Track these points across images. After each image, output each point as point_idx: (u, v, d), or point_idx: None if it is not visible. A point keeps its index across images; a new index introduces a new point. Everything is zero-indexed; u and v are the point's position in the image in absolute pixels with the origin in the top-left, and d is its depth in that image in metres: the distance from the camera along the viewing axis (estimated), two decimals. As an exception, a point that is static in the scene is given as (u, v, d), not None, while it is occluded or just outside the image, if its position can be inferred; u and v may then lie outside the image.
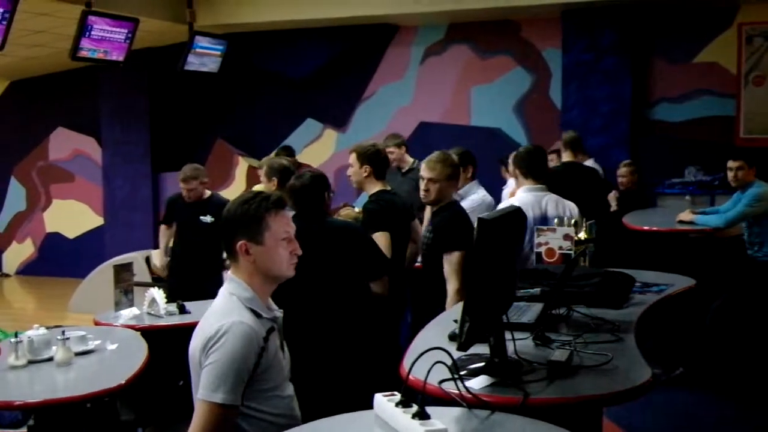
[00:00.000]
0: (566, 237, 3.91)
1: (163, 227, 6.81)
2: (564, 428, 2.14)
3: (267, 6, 9.21)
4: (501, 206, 4.92)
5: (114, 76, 10.27)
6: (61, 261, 11.39)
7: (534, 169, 4.70)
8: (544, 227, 4.07)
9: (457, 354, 2.44)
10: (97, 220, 11.28)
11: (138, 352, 3.69)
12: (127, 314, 4.50)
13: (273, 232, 2.57)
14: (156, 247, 7.83)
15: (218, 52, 9.47)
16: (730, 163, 6.06)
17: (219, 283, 2.70)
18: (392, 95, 9.82)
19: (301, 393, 2.72)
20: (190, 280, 6.05)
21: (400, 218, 4.73)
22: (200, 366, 2.46)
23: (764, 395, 5.41)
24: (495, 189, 7.27)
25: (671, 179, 8.31)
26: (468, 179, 5.24)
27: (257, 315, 2.54)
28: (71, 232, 11.60)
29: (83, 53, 7.64)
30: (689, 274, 4.32)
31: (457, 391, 2.29)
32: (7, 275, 12.01)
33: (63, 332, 3.64)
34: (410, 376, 2.19)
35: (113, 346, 3.81)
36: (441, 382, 2.35)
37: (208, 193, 6.42)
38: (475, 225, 2.39)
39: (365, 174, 4.70)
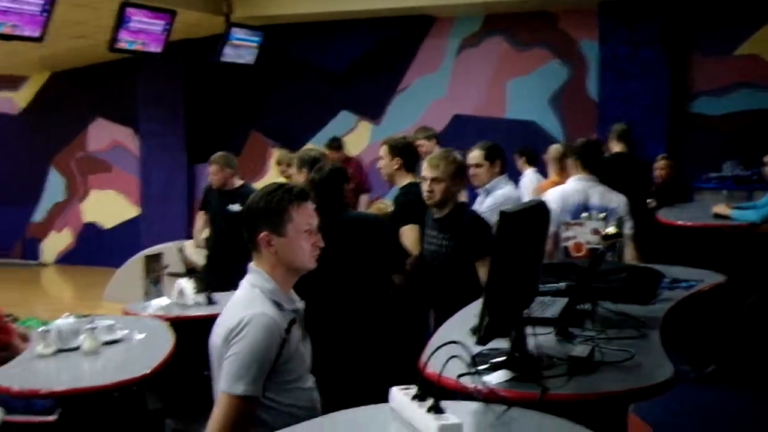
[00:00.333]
0: (594, 231, 3.86)
1: (199, 213, 6.96)
2: (583, 425, 2.11)
3: (303, -2, 9.26)
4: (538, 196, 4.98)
5: (151, 67, 10.39)
6: (97, 250, 11.55)
7: (588, 161, 4.91)
8: (572, 221, 4.03)
9: (477, 348, 2.44)
10: (134, 211, 11.43)
11: (165, 343, 3.72)
12: (156, 304, 4.55)
13: (295, 224, 2.58)
14: (190, 237, 7.91)
15: (254, 44, 9.54)
16: (767, 158, 5.95)
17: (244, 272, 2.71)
18: (427, 87, 9.79)
19: (323, 385, 2.73)
20: (221, 269, 6.11)
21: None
22: (222, 357, 2.48)
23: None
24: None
25: (708, 173, 8.18)
26: (496, 173, 5.11)
27: (279, 306, 2.55)
28: (108, 222, 11.77)
29: (121, 44, 7.76)
30: (724, 270, 4.23)
31: (473, 385, 2.28)
32: (45, 264, 12.23)
33: (91, 321, 3.68)
34: (427, 370, 2.19)
35: (141, 336, 3.85)
36: (459, 376, 2.34)
37: (239, 182, 6.48)
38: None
39: (396, 166, 4.70)
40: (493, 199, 4.98)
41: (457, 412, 2.07)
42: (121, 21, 7.52)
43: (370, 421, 2.28)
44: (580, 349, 2.67)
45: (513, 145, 7.48)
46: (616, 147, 7.11)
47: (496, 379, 2.43)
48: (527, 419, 2.21)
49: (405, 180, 4.71)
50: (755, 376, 5.57)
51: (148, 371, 3.37)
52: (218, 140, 10.48)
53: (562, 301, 3.21)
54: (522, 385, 2.41)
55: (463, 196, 7.17)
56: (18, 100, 12.31)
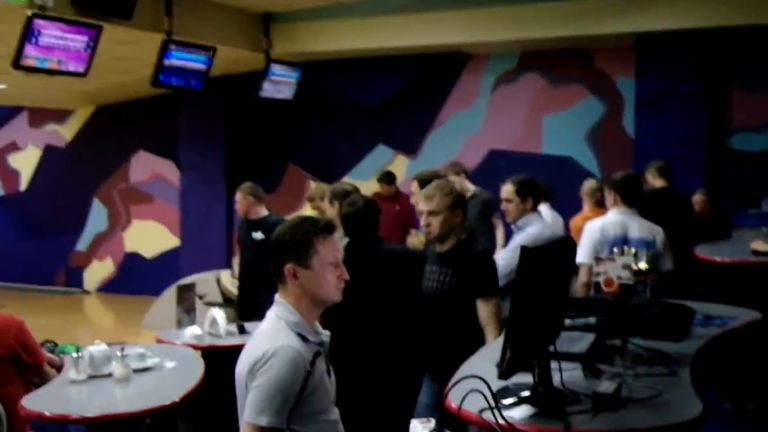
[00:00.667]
0: (626, 267, 3.83)
1: (238, 245, 7.04)
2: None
3: (341, 35, 9.36)
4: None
5: (193, 102, 10.58)
6: (138, 279, 11.71)
7: (627, 194, 4.93)
8: (604, 256, 4.00)
9: (501, 383, 2.43)
10: (174, 241, 11.57)
11: (194, 371, 3.76)
12: (189, 333, 4.60)
13: (321, 257, 2.59)
14: (229, 267, 8.02)
15: (293, 80, 9.68)
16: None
17: (271, 301, 2.73)
18: (463, 123, 9.83)
19: (347, 417, 2.73)
20: (248, 298, 6.19)
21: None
22: (246, 389, 2.50)
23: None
24: (566, 215, 7.21)
25: (747, 210, 8.07)
26: (528, 210, 4.95)
27: (304, 339, 2.56)
28: (149, 252, 11.93)
29: (163, 80, 7.91)
30: (764, 308, 4.17)
31: (494, 420, 2.28)
32: (87, 292, 12.42)
33: (122, 349, 3.74)
34: (450, 404, 2.19)
35: (171, 364, 3.89)
36: (481, 411, 2.34)
37: (264, 212, 6.55)
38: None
39: (426, 201, 4.71)
40: (522, 238, 4.67)
41: (477, 446, 2.07)
42: (163, 58, 7.69)
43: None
44: (606, 386, 2.64)
45: (549, 180, 7.46)
46: (657, 182, 7.08)
47: (518, 414, 2.42)
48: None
49: (437, 215, 4.71)
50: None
51: (177, 399, 3.41)
52: (257, 173, 10.60)
53: (590, 337, 3.18)
54: (545, 421, 2.40)
55: (500, 230, 7.23)
56: (64, 132, 12.60)
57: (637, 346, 3.23)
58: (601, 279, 3.87)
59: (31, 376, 4.09)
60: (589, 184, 6.93)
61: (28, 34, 6.21)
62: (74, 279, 12.54)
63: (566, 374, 2.70)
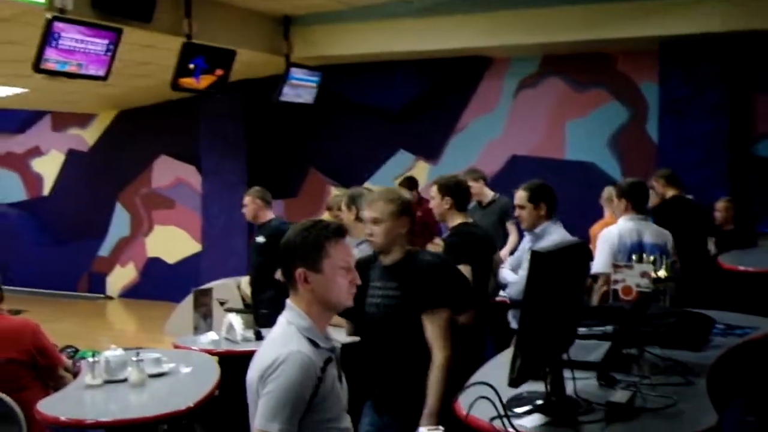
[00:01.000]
0: (644, 274, 3.78)
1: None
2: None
3: (362, 38, 9.35)
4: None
5: (213, 106, 10.61)
6: (160, 285, 11.73)
7: (637, 201, 5.04)
8: (621, 263, 3.96)
9: (512, 390, 2.40)
10: (195, 246, 11.61)
11: (210, 377, 3.77)
12: (206, 339, 4.60)
13: (332, 261, 2.57)
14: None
15: (313, 84, 9.68)
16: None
17: (274, 303, 2.72)
18: (484, 128, 9.79)
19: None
20: (257, 301, 6.23)
21: (482, 250, 4.68)
22: (257, 394, 2.49)
23: None
24: (588, 222, 7.15)
25: (773, 218, 7.98)
26: (542, 217, 4.87)
27: (315, 344, 2.54)
28: (171, 258, 11.98)
29: (184, 84, 7.95)
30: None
31: (503, 428, 2.25)
32: (110, 297, 12.49)
33: (137, 354, 3.75)
34: (459, 411, 2.17)
35: (187, 370, 3.90)
36: (492, 419, 2.31)
37: (269, 216, 6.55)
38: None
39: (446, 206, 4.69)
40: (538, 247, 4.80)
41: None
42: (183, 61, 7.73)
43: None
44: (620, 395, 2.61)
45: (572, 186, 7.40)
46: (668, 191, 7.01)
47: (530, 422, 2.39)
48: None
49: (457, 220, 4.69)
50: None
51: (192, 404, 3.41)
52: (278, 178, 10.65)
53: (606, 345, 3.15)
54: (557, 430, 2.37)
55: (513, 236, 7.16)
56: (87, 137, 12.69)
57: (654, 356, 3.19)
58: (619, 287, 3.84)
59: (47, 379, 4.12)
60: (608, 191, 6.86)
61: (48, 37, 6.25)
62: (97, 285, 12.61)
63: (580, 383, 2.67)
